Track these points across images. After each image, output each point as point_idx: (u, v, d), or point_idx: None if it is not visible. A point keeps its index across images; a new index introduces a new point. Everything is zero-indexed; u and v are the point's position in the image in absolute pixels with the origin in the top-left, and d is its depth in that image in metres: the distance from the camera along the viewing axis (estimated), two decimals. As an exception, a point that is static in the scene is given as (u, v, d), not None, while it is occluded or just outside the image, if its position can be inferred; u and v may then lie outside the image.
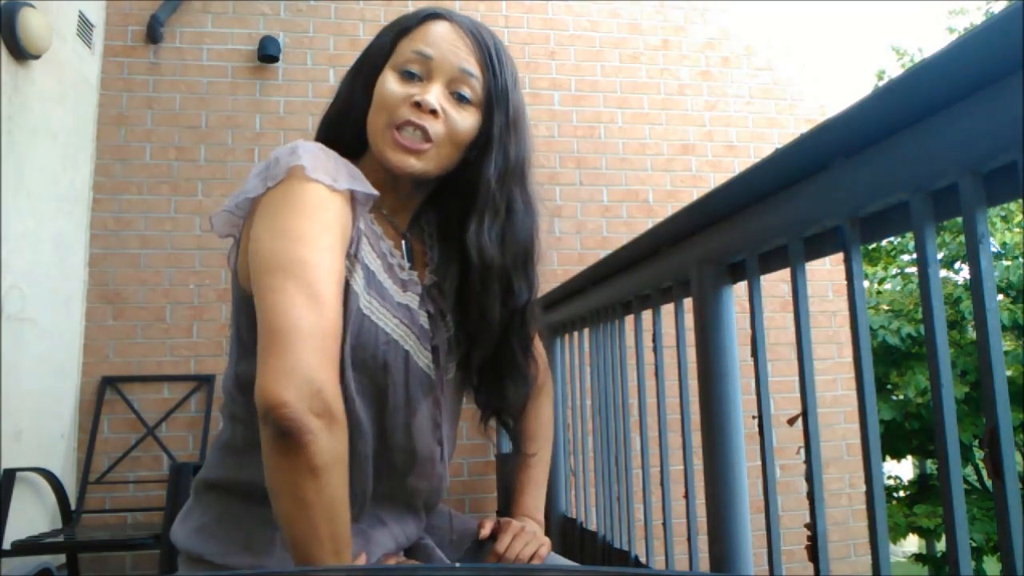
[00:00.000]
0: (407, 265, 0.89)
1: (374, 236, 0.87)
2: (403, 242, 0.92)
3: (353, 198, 0.81)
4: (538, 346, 1.06)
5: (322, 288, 0.71)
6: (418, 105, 0.83)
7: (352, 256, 0.81)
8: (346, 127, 0.92)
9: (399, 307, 0.85)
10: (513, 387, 0.95)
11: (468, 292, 0.88)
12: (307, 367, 0.67)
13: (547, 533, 1.00)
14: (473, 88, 0.87)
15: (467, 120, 0.87)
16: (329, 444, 0.68)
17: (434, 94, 0.84)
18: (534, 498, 1.02)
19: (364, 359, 0.81)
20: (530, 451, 1.04)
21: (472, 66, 0.86)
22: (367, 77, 0.90)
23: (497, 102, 0.88)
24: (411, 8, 0.95)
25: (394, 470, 0.86)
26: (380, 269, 0.85)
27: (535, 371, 0.99)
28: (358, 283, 0.81)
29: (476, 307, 0.88)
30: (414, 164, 0.84)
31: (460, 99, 0.86)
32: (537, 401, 1.06)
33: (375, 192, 0.82)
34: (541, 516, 1.02)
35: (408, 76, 0.86)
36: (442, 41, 0.86)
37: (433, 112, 0.84)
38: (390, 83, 0.85)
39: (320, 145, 0.83)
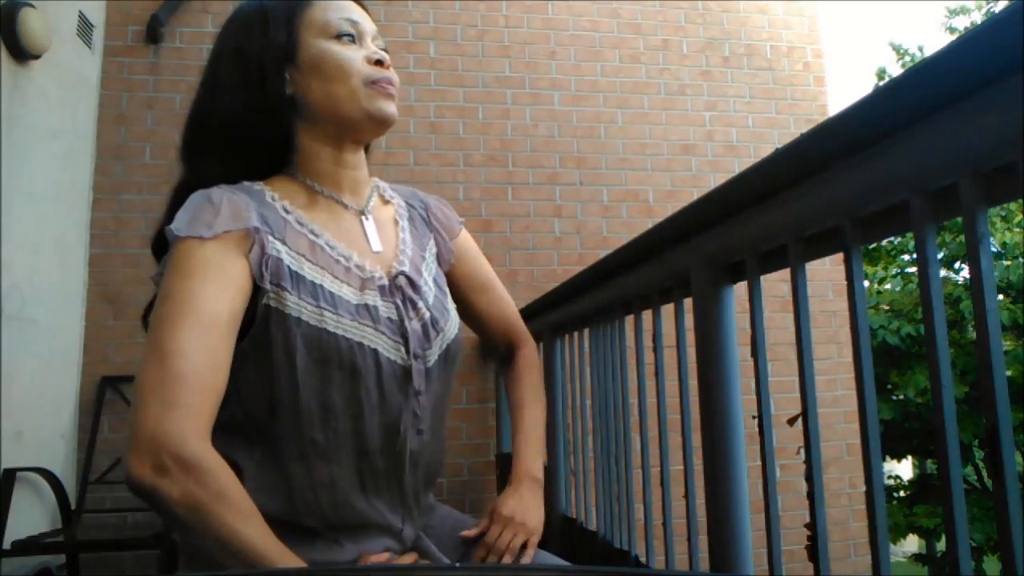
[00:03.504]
0: (365, 263, 0.89)
1: (316, 251, 0.87)
2: (364, 222, 0.94)
3: (246, 230, 0.81)
4: (517, 320, 1.14)
5: (165, 340, 0.73)
6: (379, 62, 0.92)
7: (271, 283, 0.81)
8: (265, 131, 0.93)
9: (358, 308, 0.85)
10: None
11: None
12: (145, 426, 0.70)
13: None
14: (384, 42, 0.98)
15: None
16: (183, 492, 0.69)
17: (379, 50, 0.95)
18: (532, 459, 1.03)
19: (331, 373, 0.82)
20: (523, 417, 1.06)
21: (375, 26, 0.98)
22: (276, 68, 0.90)
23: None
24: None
25: (377, 470, 0.86)
26: (329, 279, 0.85)
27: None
28: (290, 305, 0.81)
29: None
30: (395, 110, 0.94)
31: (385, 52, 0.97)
32: (519, 367, 1.11)
33: (247, 218, 0.82)
34: (539, 471, 1.03)
35: (347, 39, 0.92)
36: (351, 6, 0.96)
37: (389, 65, 0.95)
38: (339, 49, 0.91)
39: (208, 192, 0.84)
